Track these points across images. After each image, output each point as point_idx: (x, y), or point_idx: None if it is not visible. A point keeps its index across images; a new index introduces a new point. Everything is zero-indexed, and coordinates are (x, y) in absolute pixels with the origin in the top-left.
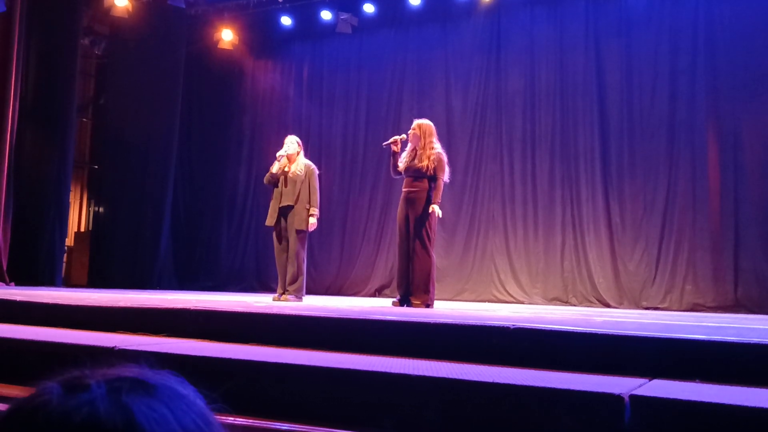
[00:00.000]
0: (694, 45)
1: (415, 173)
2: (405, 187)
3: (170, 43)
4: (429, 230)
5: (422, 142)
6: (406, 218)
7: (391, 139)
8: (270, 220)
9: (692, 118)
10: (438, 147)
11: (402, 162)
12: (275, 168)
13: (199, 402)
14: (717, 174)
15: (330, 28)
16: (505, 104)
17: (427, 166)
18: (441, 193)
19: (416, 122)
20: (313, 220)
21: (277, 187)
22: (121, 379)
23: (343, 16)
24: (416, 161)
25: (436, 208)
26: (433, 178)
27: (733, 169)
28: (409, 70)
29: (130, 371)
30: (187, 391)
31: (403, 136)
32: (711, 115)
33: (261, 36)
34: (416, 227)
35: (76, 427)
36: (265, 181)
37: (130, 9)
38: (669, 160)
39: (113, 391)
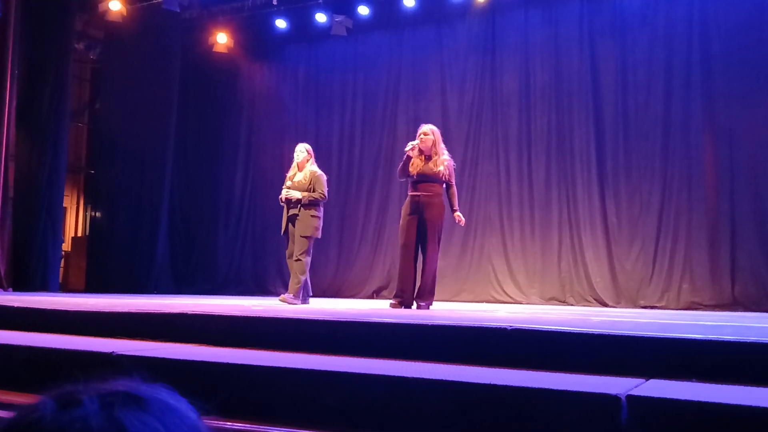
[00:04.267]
0: (688, 44)
1: (429, 178)
2: (417, 192)
3: (165, 47)
4: (440, 234)
5: (437, 147)
6: (420, 222)
7: (410, 146)
8: (282, 230)
9: (687, 117)
10: (446, 152)
11: (412, 166)
12: (282, 195)
13: (192, 414)
14: (712, 172)
15: (325, 31)
16: (501, 105)
17: (443, 172)
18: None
19: (428, 127)
20: (295, 194)
21: None
22: (113, 394)
23: (338, 18)
24: (432, 166)
25: (461, 216)
26: (446, 183)
27: (728, 167)
28: (404, 72)
29: (123, 385)
30: (179, 404)
31: (417, 142)
32: (706, 114)
33: (256, 39)
34: (431, 231)
35: None
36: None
37: (125, 13)
38: (664, 159)
39: (106, 407)
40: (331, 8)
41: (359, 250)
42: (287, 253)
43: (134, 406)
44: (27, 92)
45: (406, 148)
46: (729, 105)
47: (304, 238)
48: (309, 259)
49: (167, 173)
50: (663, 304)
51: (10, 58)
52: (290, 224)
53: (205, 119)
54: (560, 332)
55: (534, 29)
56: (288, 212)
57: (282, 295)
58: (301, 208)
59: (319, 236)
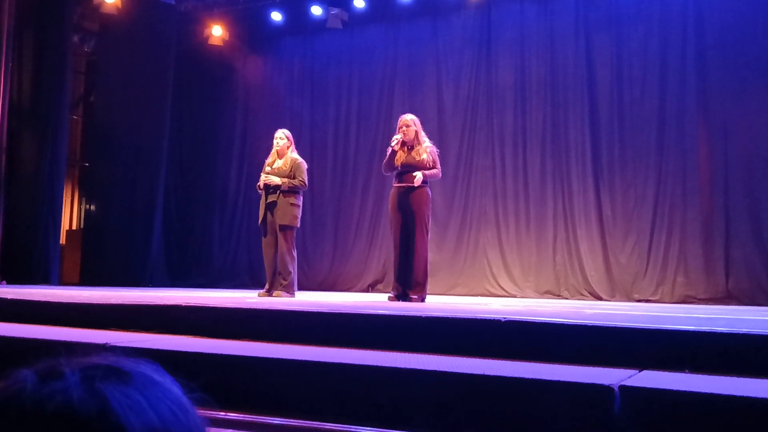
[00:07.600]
0: (683, 38)
1: (414, 168)
2: (401, 183)
3: (160, 40)
4: (428, 223)
5: (418, 137)
6: (405, 212)
7: (395, 141)
8: (260, 218)
9: (682, 111)
10: (428, 140)
11: (396, 159)
12: (261, 181)
13: (175, 389)
14: (707, 166)
15: (320, 24)
16: (496, 98)
17: (426, 160)
18: (430, 177)
19: (408, 118)
20: (275, 179)
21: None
22: (95, 367)
23: (334, 11)
24: (414, 155)
25: (418, 175)
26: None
27: (723, 161)
28: (400, 65)
29: (105, 359)
30: (163, 378)
31: (400, 136)
32: (701, 108)
33: (251, 32)
34: (418, 221)
35: (50, 415)
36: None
37: (120, 5)
38: (659, 153)
39: (87, 379)
40: (326, 1)
41: (354, 244)
42: (265, 243)
43: (116, 379)
44: (25, 85)
45: (392, 143)
46: (723, 99)
47: (285, 229)
48: (294, 251)
49: (162, 166)
50: (657, 297)
51: (4, 52)
52: (268, 212)
53: (200, 112)
54: (554, 324)
55: (529, 23)
56: (266, 200)
57: (275, 292)
58: (281, 195)
59: (298, 225)
